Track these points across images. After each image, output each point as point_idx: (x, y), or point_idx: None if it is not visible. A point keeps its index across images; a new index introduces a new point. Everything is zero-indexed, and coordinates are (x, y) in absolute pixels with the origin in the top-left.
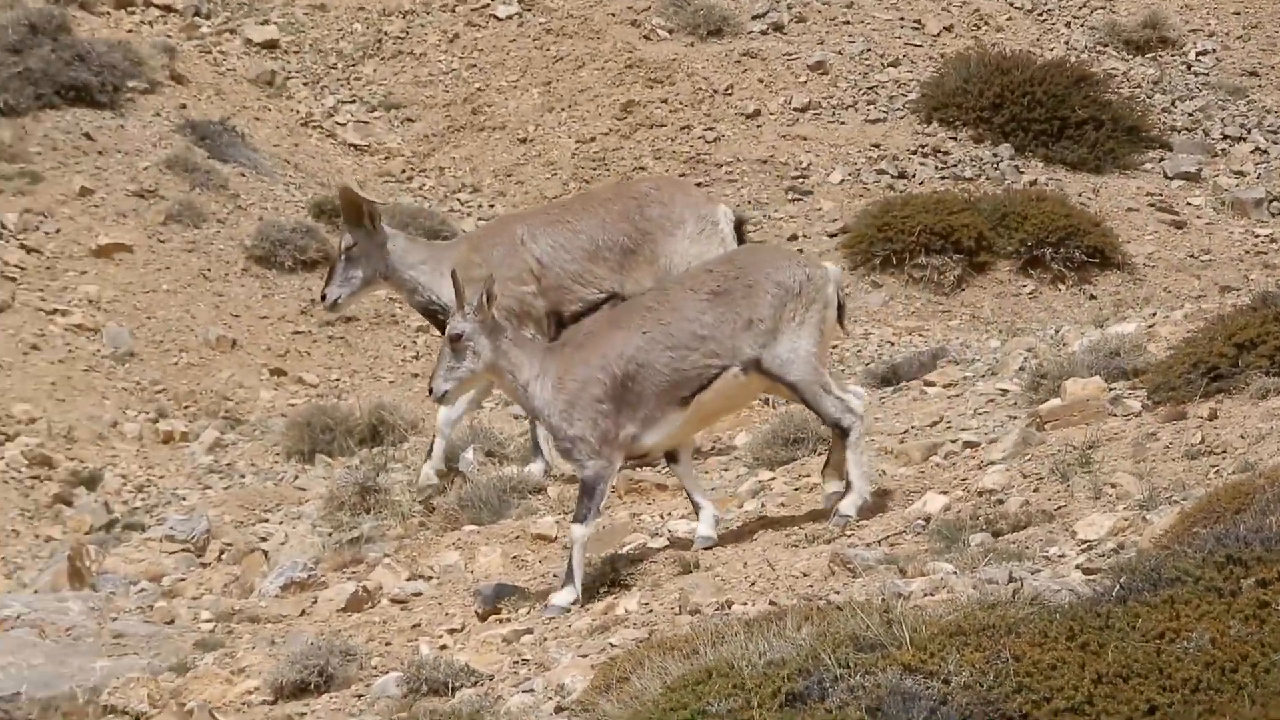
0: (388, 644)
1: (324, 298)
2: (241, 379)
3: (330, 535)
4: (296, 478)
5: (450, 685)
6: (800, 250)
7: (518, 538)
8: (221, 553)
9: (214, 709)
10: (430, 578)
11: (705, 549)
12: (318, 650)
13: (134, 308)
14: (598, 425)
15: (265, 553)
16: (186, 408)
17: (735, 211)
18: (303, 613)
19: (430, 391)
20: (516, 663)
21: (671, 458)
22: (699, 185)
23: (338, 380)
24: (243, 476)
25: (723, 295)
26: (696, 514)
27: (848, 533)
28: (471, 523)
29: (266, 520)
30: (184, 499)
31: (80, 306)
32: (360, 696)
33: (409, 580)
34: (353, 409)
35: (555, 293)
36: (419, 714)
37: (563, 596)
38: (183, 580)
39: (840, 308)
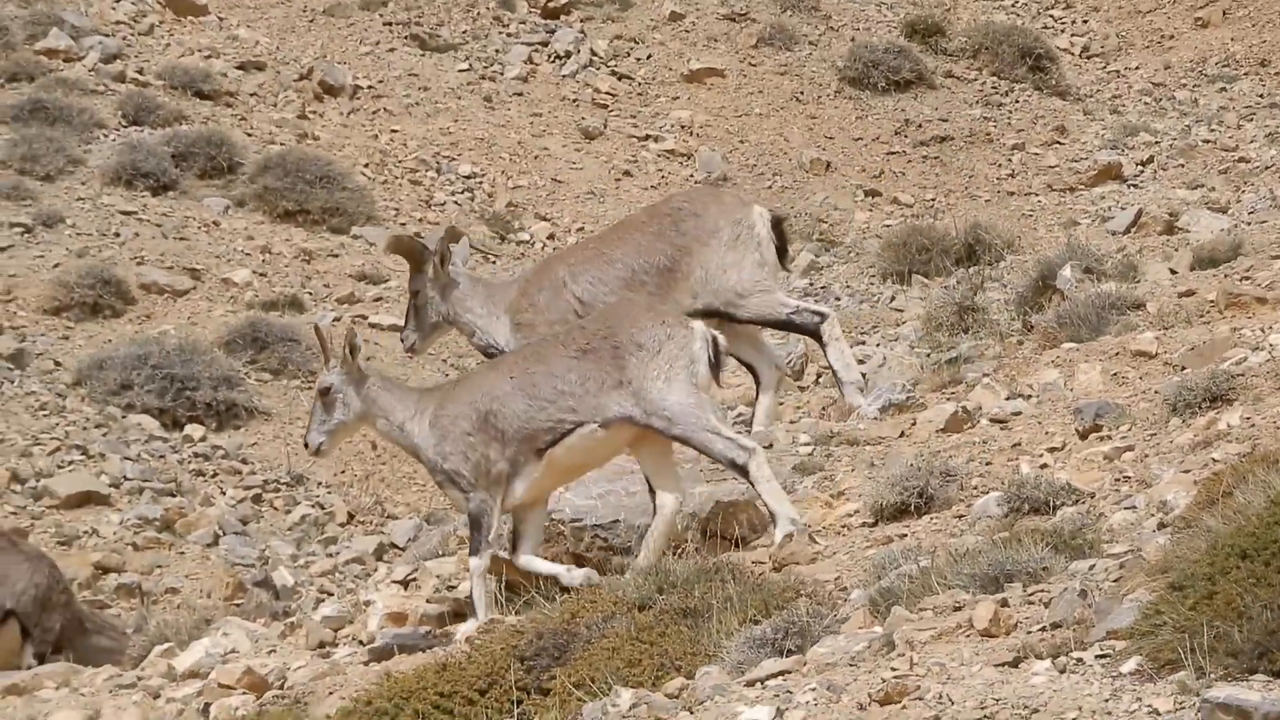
0: (988, 464)
1: (402, 340)
2: (836, 201)
3: (928, 356)
4: (893, 298)
5: (1051, 504)
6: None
7: (1117, 354)
8: (819, 376)
9: (814, 532)
10: (1029, 396)
11: None
12: (917, 472)
13: (726, 132)
14: (468, 458)
15: (863, 375)
16: None
17: (773, 210)
18: (902, 434)
19: (306, 446)
20: (1118, 480)
21: None
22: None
23: (933, 200)
24: (838, 299)
25: (590, 354)
26: None
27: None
28: (1070, 340)
29: (863, 342)
30: None
31: (672, 132)
32: (961, 517)
33: (1008, 399)
34: (948, 228)
35: None
36: (1020, 533)
37: (467, 626)
38: (780, 404)
39: (712, 365)
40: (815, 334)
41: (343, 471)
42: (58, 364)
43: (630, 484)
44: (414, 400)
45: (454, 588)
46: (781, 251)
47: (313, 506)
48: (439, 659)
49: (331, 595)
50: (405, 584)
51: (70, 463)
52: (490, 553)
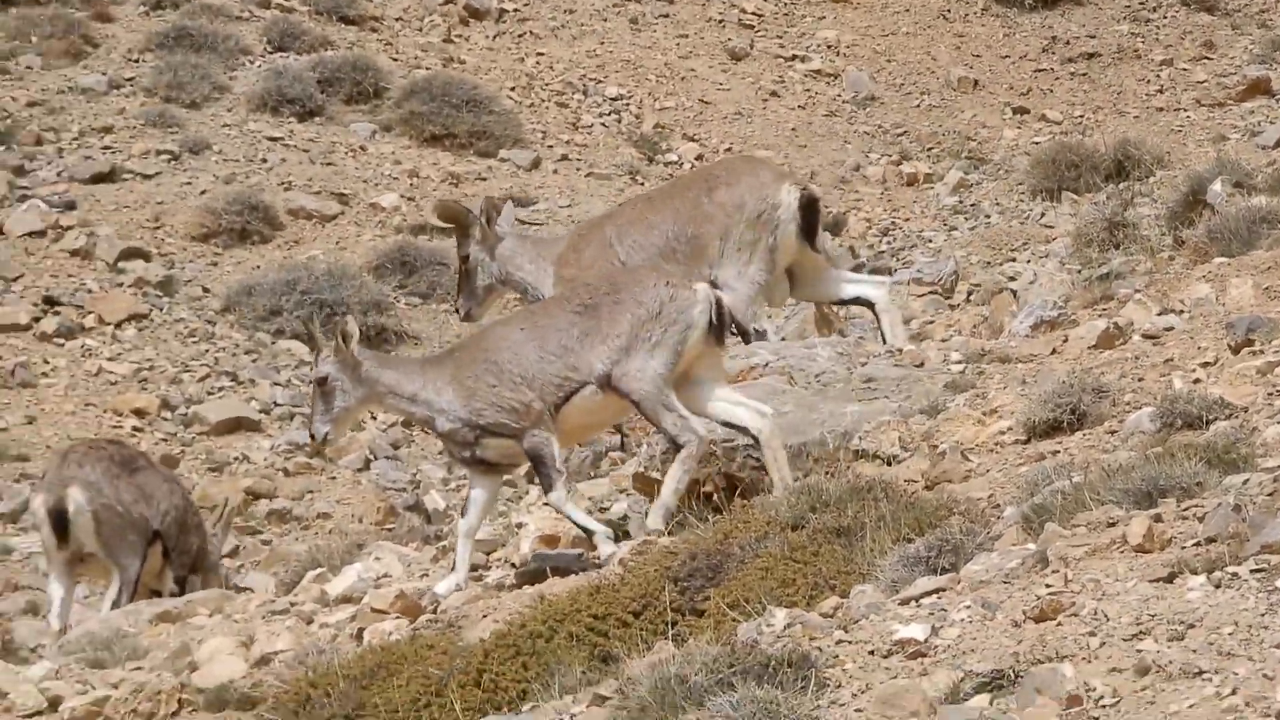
0: (1140, 379)
1: (458, 311)
2: (984, 118)
3: (1079, 272)
4: (1043, 215)
5: (1204, 418)
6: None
7: (1269, 269)
8: (969, 294)
9: (966, 450)
10: (1181, 311)
11: None
12: (1069, 388)
13: (873, 51)
14: (503, 408)
15: (1014, 292)
16: (929, 149)
17: (807, 190)
18: (1053, 351)
19: (311, 438)
20: (1271, 394)
21: None
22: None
23: (1081, 116)
24: (988, 216)
25: (591, 310)
26: None
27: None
28: (1221, 255)
29: (1014, 259)
30: (929, 241)
31: (819, 52)
32: (1113, 433)
33: (1160, 315)
34: (1097, 145)
35: None
36: (1173, 448)
37: (605, 548)
38: (931, 322)
39: (714, 326)
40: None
41: None
42: (206, 291)
43: (781, 404)
44: (418, 370)
45: (606, 509)
46: (809, 231)
47: None
48: (592, 581)
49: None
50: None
51: (220, 389)
52: (563, 479)
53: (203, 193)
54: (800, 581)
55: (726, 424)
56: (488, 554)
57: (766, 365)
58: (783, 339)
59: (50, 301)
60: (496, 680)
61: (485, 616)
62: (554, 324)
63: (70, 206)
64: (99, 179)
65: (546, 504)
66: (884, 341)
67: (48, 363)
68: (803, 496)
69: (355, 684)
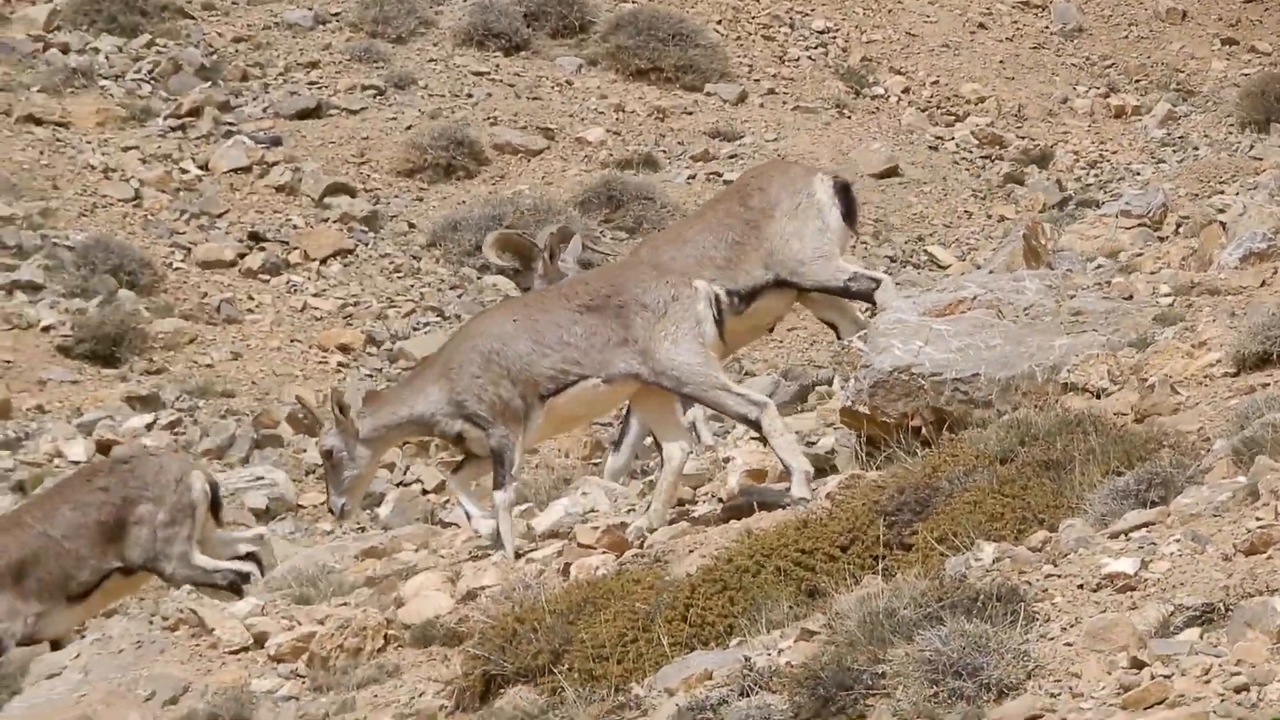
0: None
1: None
2: (1193, 50)
3: None
4: (1251, 147)
5: None
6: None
7: None
8: (1178, 226)
9: (1175, 383)
10: None
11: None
12: (1279, 321)
13: None
14: (482, 399)
15: (1223, 224)
16: (1137, 81)
17: (837, 177)
18: (1263, 283)
19: (331, 513)
20: None
21: None
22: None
23: None
24: (1196, 149)
25: (594, 310)
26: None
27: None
28: None
29: (1222, 192)
30: (1137, 173)
31: None
32: None
33: None
34: None
35: None
36: None
37: (496, 556)
38: (1139, 255)
39: (717, 322)
40: (870, 299)
41: None
42: (412, 226)
43: (990, 337)
44: (408, 389)
45: (813, 444)
46: (848, 216)
47: None
48: (800, 516)
49: (690, 453)
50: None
51: (425, 324)
52: (515, 486)
53: (408, 128)
54: (1008, 515)
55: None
56: (694, 489)
57: (975, 298)
58: (990, 272)
59: (256, 237)
60: (703, 615)
61: (692, 551)
62: (551, 318)
63: (276, 142)
64: (305, 115)
65: (492, 502)
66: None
67: (253, 299)
68: (1011, 430)
69: (561, 619)
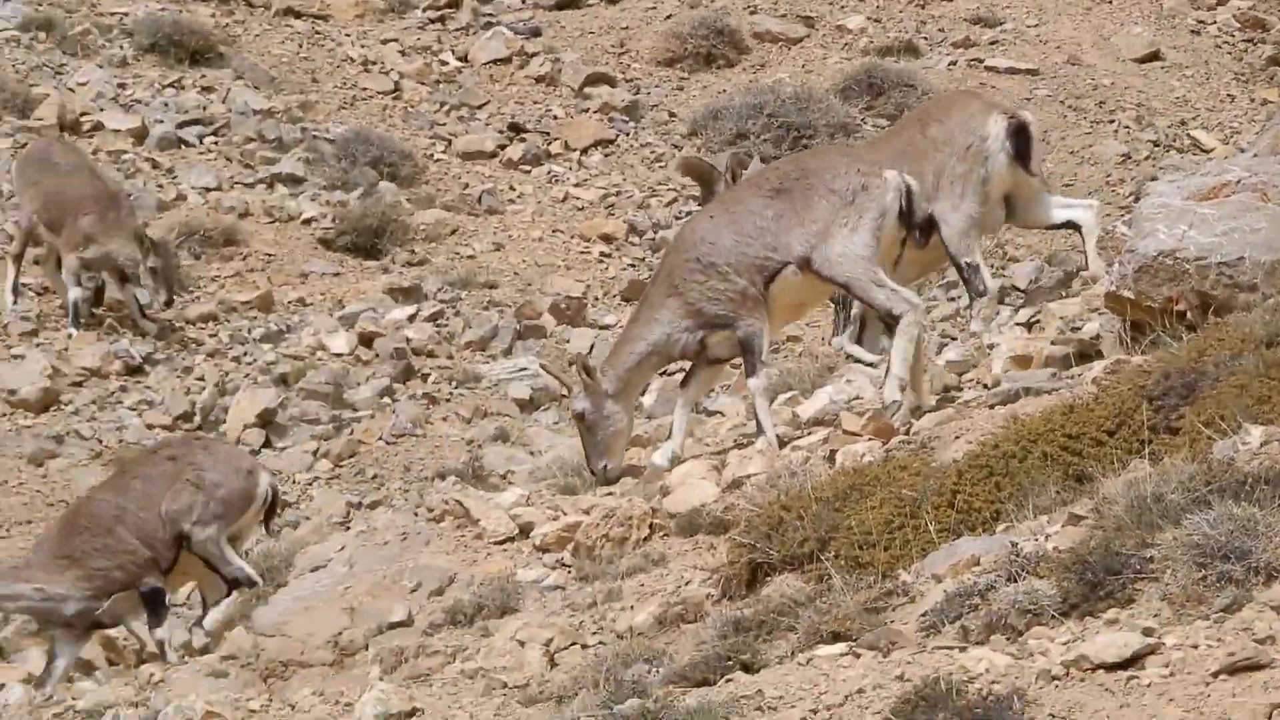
0: None
1: None
2: None
3: None
4: None
5: None
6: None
7: None
8: None
9: None
10: None
11: None
12: None
13: None
14: (716, 300)
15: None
16: None
17: (1015, 119)
18: None
19: (593, 474)
20: None
21: None
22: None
23: None
24: None
25: (783, 194)
26: None
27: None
28: None
29: None
30: None
31: None
32: None
33: None
34: None
35: None
36: None
37: (759, 443)
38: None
39: (903, 215)
40: (968, 286)
41: None
42: (672, 115)
43: (1255, 221)
44: (637, 326)
45: (1078, 329)
46: (1023, 158)
47: None
48: (1065, 401)
49: (954, 340)
50: (1028, 326)
51: (687, 214)
52: (767, 372)
53: (668, 17)
54: (1276, 398)
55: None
56: (960, 375)
57: (1239, 182)
58: (1255, 155)
59: (516, 128)
60: (969, 501)
61: (958, 438)
62: (746, 208)
63: (535, 33)
64: (564, 5)
65: (744, 391)
66: (1087, 265)
67: (514, 189)
68: (1277, 314)
69: (827, 506)
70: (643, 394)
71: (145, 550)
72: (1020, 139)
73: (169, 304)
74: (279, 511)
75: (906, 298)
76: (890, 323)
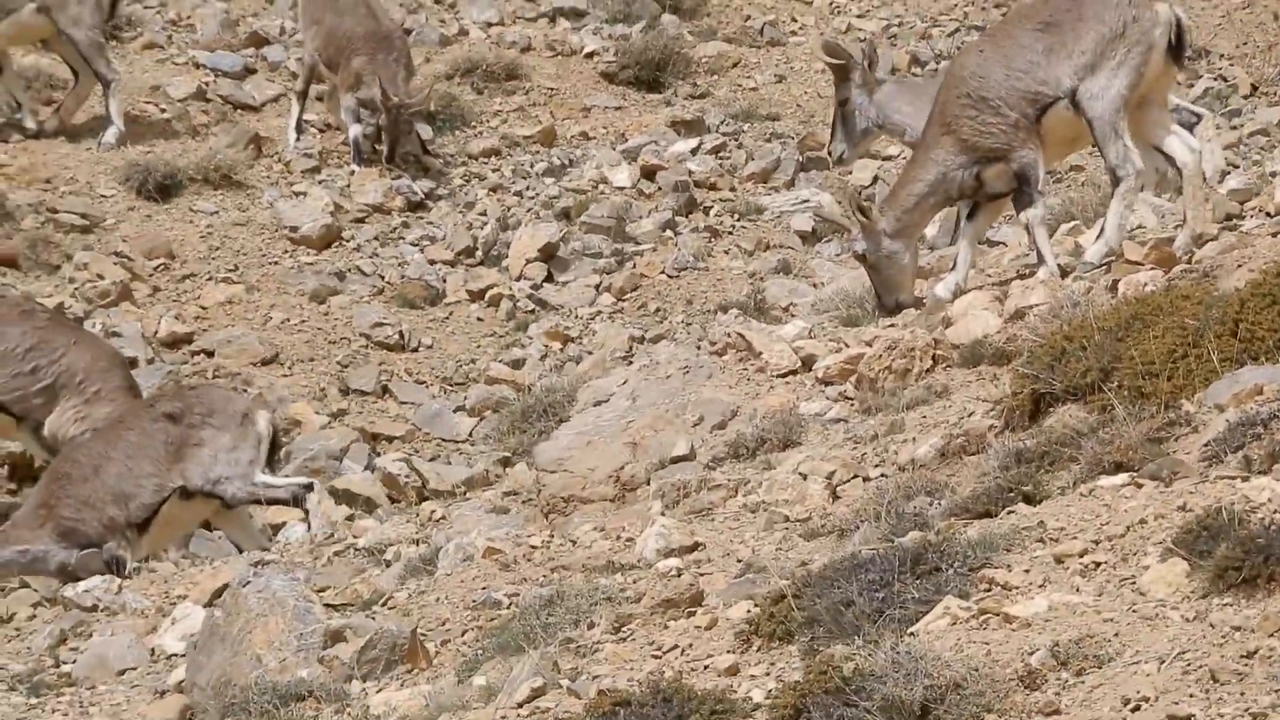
0: None
1: (829, 153)
2: None
3: None
4: None
5: None
6: None
7: None
8: None
9: None
10: None
11: None
12: None
13: None
14: (990, 132)
15: None
16: None
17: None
18: None
19: (885, 312)
20: None
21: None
22: None
23: None
24: None
25: (1054, 27)
26: None
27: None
28: None
29: None
30: None
31: None
32: None
33: None
34: None
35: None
36: None
37: (1040, 273)
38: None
39: (1175, 47)
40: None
41: (1245, 43)
42: None
43: None
44: (914, 166)
45: None
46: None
47: (1215, 79)
48: None
49: (1237, 168)
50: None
51: (963, 43)
52: (1044, 201)
53: None
54: None
55: (1157, 149)
56: (1242, 203)
57: None
58: None
59: None
60: (1253, 330)
61: (1240, 266)
62: (1016, 42)
63: None
64: None
65: (1022, 222)
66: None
67: (796, 20)
68: None
69: (1110, 336)
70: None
71: (115, 510)
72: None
73: (390, 160)
74: (280, 450)
75: (1134, 160)
76: (1113, 180)
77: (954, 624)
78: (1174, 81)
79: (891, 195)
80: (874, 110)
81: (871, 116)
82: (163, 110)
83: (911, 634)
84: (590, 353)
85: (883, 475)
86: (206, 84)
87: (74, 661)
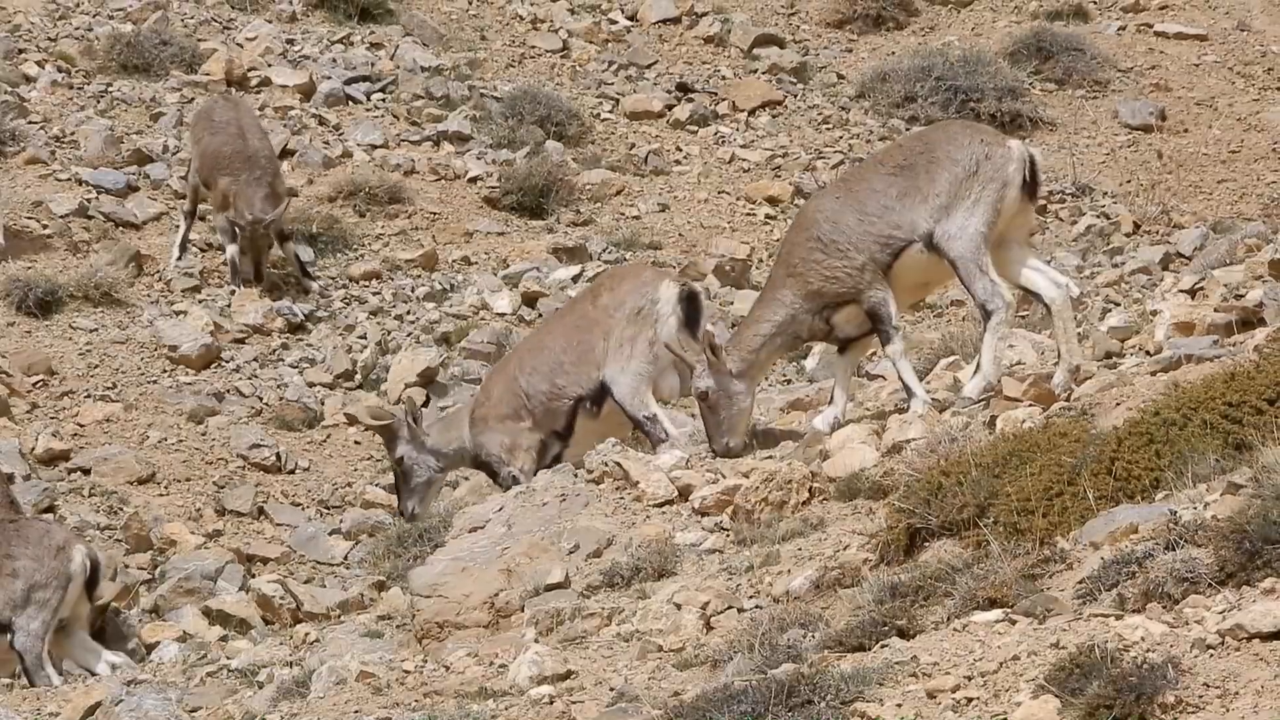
0: None
1: (402, 514)
2: None
3: None
4: None
5: None
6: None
7: None
8: None
9: None
10: None
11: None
12: None
13: None
14: (836, 277)
15: None
16: None
17: (686, 286)
18: None
19: (714, 453)
20: None
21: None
22: None
23: None
24: None
25: (907, 170)
26: None
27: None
28: None
29: None
30: None
31: None
32: None
33: None
34: None
35: None
36: None
37: (913, 405)
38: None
39: (1030, 184)
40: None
41: (1128, 181)
42: (840, 77)
43: None
44: (761, 308)
45: (1241, 296)
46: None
47: (1098, 217)
48: (1227, 369)
49: (1118, 305)
50: (1192, 293)
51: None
52: (901, 334)
53: None
54: None
55: (1023, 289)
56: (1122, 341)
57: None
58: None
59: (684, 89)
60: (1129, 469)
61: (1118, 404)
62: (869, 185)
63: None
64: None
65: (886, 358)
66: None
67: (680, 150)
68: None
69: (987, 472)
70: (804, 358)
71: None
72: (691, 305)
73: (257, 279)
74: (99, 582)
75: (1003, 294)
76: (984, 315)
77: None
78: (1031, 218)
79: (737, 335)
80: (433, 460)
81: (432, 466)
82: (44, 226)
83: None
84: (466, 478)
85: (757, 607)
86: (89, 200)
87: None
